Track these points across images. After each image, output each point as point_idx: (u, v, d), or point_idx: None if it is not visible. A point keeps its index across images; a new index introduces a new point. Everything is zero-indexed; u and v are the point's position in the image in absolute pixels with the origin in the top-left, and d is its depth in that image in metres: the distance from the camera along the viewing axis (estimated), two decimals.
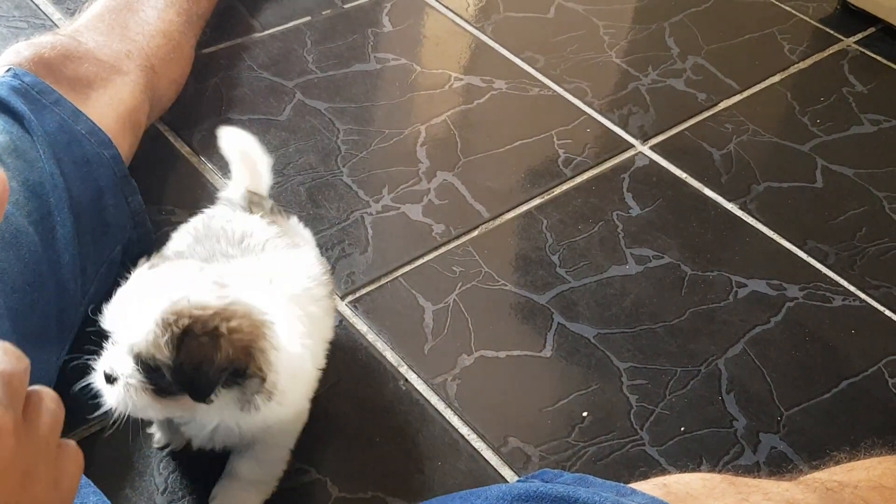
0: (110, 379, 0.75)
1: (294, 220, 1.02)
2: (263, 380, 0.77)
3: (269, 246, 0.90)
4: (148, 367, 0.73)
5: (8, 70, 1.03)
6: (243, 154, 0.98)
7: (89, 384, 0.78)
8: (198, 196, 1.23)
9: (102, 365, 0.76)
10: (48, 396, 0.49)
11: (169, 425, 0.93)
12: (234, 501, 0.91)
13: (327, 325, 0.94)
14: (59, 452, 0.49)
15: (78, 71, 1.10)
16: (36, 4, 1.51)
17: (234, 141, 0.99)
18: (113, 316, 0.75)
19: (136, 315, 0.73)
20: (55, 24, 1.47)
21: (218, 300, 0.75)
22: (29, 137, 0.98)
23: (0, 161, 0.93)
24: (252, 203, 0.96)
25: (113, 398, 0.76)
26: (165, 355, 0.72)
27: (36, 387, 0.49)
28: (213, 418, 0.82)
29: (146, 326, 0.72)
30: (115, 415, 0.77)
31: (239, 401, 0.78)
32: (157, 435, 0.96)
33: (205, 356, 0.72)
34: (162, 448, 0.96)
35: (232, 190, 0.98)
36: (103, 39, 1.18)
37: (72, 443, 0.51)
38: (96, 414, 0.78)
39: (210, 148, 1.32)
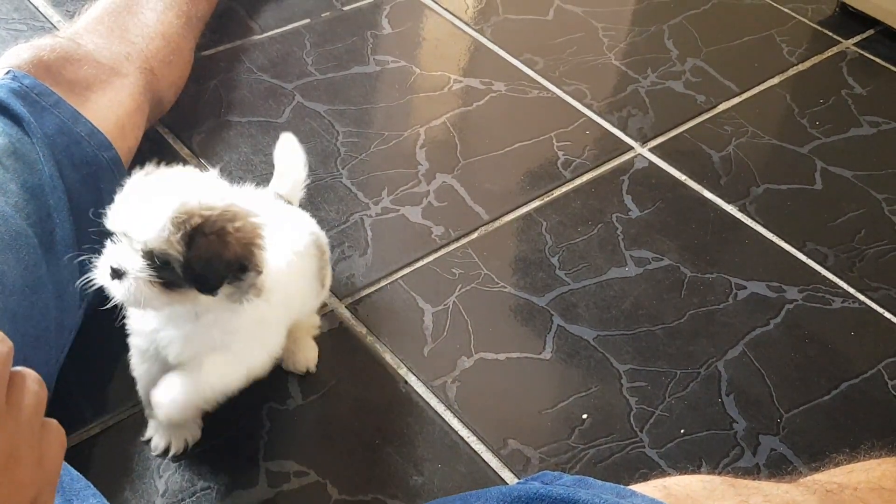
0: (118, 274, 0.80)
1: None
2: (259, 273, 0.83)
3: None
4: (159, 261, 0.78)
5: (7, 72, 1.03)
6: (289, 163, 1.08)
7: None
8: None
9: (108, 261, 0.80)
10: (30, 377, 0.50)
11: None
12: (163, 386, 0.88)
13: (311, 267, 0.99)
14: (41, 432, 0.50)
15: (77, 73, 1.10)
16: (35, 7, 1.51)
17: (287, 148, 1.09)
18: (118, 216, 0.80)
19: (147, 214, 0.78)
20: (54, 27, 1.47)
21: (220, 201, 0.81)
22: (28, 139, 0.98)
23: (0, 163, 0.93)
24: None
25: (121, 292, 0.80)
26: (178, 251, 0.77)
27: (18, 368, 0.49)
28: (188, 320, 0.86)
29: (159, 224, 0.77)
30: (121, 307, 0.83)
31: (233, 294, 0.83)
32: (154, 439, 0.97)
33: (214, 253, 0.78)
34: (161, 455, 0.96)
35: (266, 189, 1.06)
36: (103, 42, 1.18)
37: (54, 422, 0.52)
38: (106, 306, 0.83)
39: (209, 150, 1.33)
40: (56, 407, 0.94)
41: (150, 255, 0.78)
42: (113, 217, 0.80)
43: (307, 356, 1.07)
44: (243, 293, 0.84)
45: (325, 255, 1.04)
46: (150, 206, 0.78)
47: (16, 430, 0.47)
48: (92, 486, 0.79)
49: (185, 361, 0.88)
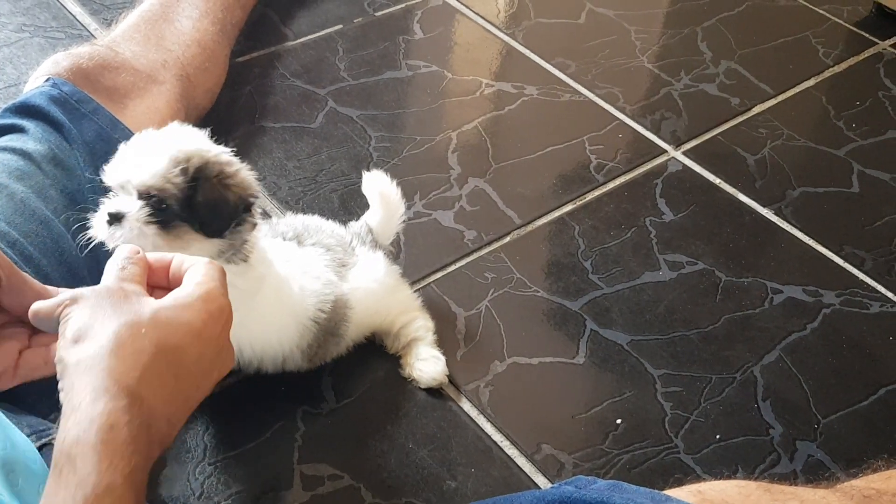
0: (116, 218, 0.82)
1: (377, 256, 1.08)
2: (255, 225, 0.87)
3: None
4: (155, 201, 0.81)
5: (47, 80, 1.05)
6: (382, 196, 1.10)
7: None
8: None
9: (106, 209, 0.82)
10: None
11: None
12: None
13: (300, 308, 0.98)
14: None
15: (115, 80, 1.12)
16: (73, 15, 1.54)
17: (375, 184, 1.10)
18: (117, 170, 0.83)
19: (145, 159, 0.82)
20: (92, 35, 1.49)
21: (213, 148, 0.86)
22: (68, 146, 0.99)
23: (40, 169, 0.95)
24: (365, 237, 1.08)
25: (119, 237, 0.81)
26: (175, 185, 0.81)
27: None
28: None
29: (158, 163, 0.81)
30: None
31: (226, 250, 0.86)
32: None
33: (220, 197, 0.83)
34: None
35: (360, 222, 1.11)
36: (140, 49, 1.20)
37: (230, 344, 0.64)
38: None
39: (243, 155, 1.33)
40: None
41: (147, 196, 0.81)
42: (111, 172, 0.83)
43: (431, 369, 1.05)
44: (236, 249, 0.87)
45: (338, 326, 1.01)
46: (147, 153, 0.82)
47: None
48: None
49: None
